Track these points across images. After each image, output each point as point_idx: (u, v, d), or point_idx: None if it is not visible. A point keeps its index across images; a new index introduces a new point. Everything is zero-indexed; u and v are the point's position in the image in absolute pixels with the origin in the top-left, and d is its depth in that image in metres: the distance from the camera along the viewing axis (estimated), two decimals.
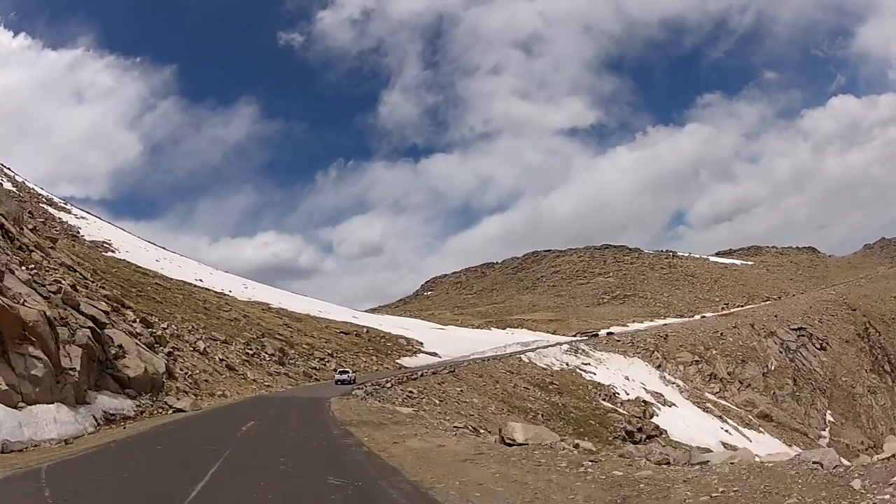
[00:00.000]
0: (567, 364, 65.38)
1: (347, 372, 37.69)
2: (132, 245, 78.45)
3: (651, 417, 51.09)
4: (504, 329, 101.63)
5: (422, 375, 40.56)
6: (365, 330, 72.20)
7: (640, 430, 43.15)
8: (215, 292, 64.34)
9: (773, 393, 63.70)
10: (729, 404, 62.20)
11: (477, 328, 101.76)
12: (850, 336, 79.95)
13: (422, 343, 75.95)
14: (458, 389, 39.04)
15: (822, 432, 60.50)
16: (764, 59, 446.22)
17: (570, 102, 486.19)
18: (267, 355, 43.25)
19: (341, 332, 66.21)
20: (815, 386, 68.24)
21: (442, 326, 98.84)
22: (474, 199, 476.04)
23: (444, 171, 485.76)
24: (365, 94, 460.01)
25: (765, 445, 53.89)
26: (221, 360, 34.40)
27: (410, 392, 32.97)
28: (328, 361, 49.82)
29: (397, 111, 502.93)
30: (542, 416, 38.48)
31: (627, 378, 62.16)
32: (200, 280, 71.00)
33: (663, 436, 45.03)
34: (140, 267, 58.78)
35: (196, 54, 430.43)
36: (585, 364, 66.30)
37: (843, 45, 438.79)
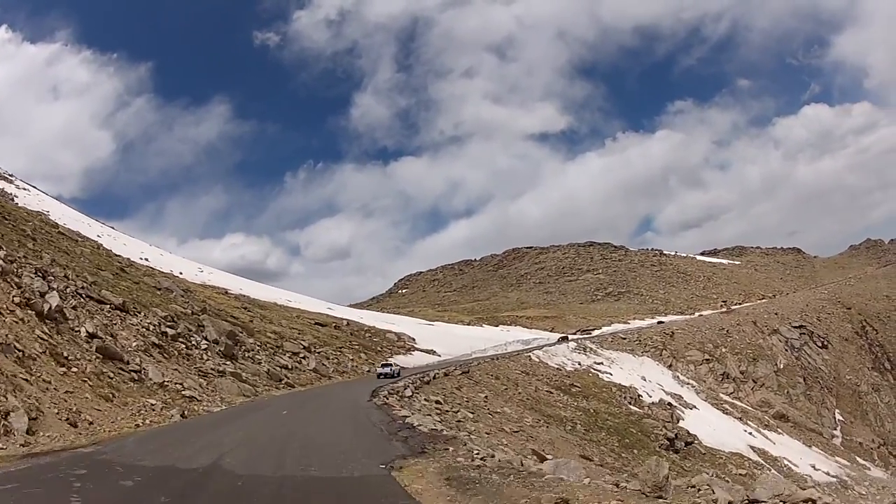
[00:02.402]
0: (580, 364, 66.23)
1: (390, 365, 40.09)
2: (74, 219, 72.37)
3: (678, 421, 52.31)
4: (497, 326, 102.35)
5: (434, 378, 37.98)
6: (345, 322, 69.83)
7: (677, 437, 44.23)
8: (160, 271, 58.40)
9: (787, 392, 66.79)
10: (745, 405, 64.84)
11: (468, 325, 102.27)
12: (849, 334, 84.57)
13: (414, 339, 75.19)
14: (482, 395, 37.58)
15: (835, 431, 63.80)
16: (737, 67, 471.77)
17: (542, 107, 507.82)
18: (204, 342, 30.82)
19: (317, 324, 62.29)
20: (822, 384, 71.90)
21: (430, 322, 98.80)
22: (443, 202, 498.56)
23: (413, 175, 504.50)
24: (337, 95, 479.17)
25: (787, 447, 56.27)
26: (91, 337, 20.36)
27: (438, 403, 28.12)
28: (304, 358, 42.71)
29: (369, 113, 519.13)
30: (581, 425, 38.39)
31: (644, 379, 63.52)
32: (146, 259, 65.20)
33: (695, 443, 46.30)
34: (67, 228, 53.68)
35: (172, 51, 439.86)
36: (598, 364, 67.35)
37: (818, 54, 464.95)
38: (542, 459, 14.58)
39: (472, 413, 30.23)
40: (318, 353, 48.01)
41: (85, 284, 26.05)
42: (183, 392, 21.95)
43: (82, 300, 23.27)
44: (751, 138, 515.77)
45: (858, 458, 57.42)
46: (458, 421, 24.17)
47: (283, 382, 34.77)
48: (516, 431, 27.76)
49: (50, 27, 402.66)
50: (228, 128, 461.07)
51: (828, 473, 50.59)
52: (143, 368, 21.49)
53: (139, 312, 27.82)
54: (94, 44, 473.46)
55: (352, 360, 52.73)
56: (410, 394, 27.07)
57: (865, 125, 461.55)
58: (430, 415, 23.24)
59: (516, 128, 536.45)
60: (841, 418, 67.22)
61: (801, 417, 62.86)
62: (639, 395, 55.90)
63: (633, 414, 48.44)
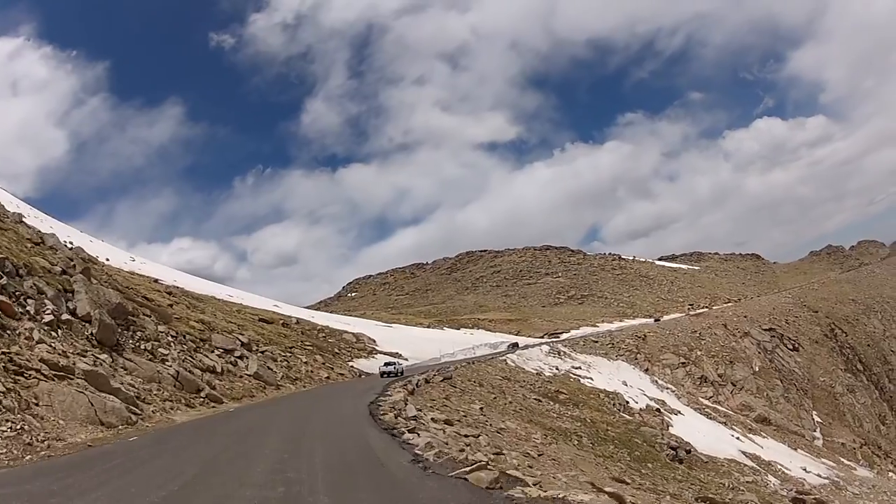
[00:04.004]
0: (557, 368, 64.59)
1: (394, 363, 39.31)
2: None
3: (668, 428, 51.49)
4: (458, 329, 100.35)
5: (417, 385, 35.66)
6: (295, 321, 64.87)
7: (679, 445, 42.93)
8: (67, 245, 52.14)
9: (766, 395, 67.48)
10: (726, 409, 64.92)
11: (428, 327, 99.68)
12: (819, 337, 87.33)
13: (374, 341, 71.67)
14: (476, 407, 34.95)
15: (815, 433, 64.82)
16: (690, 81, 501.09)
17: (492, 117, 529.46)
18: (51, 312, 19.50)
19: (262, 320, 56.98)
20: (798, 387, 73.47)
21: (388, 324, 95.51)
22: (390, 210, 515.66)
23: (361, 182, 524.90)
24: (289, 100, 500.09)
25: (775, 451, 56.29)
26: None
27: (448, 423, 23.74)
28: (242, 358, 35.06)
29: (319, 119, 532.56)
30: (587, 438, 36.38)
31: (626, 384, 62.59)
32: (71, 243, 59.08)
33: (692, 451, 45.33)
34: None
35: (129, 50, 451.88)
36: (577, 368, 65.93)
37: (773, 69, 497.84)
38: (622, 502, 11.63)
39: (477, 430, 27.46)
40: (263, 352, 40.54)
41: None
42: None
43: None
44: (701, 150, 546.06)
45: (843, 459, 58.31)
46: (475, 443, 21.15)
47: (202, 395, 24.67)
48: (540, 454, 24.63)
49: (14, 21, 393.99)
50: (180, 130, 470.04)
51: (819, 475, 50.80)
52: None
53: None
54: (56, 40, 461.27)
55: (306, 363, 46.26)
56: (413, 413, 21.95)
57: (819, 138, 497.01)
58: (452, 441, 19.21)
59: (465, 137, 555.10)
60: (819, 420, 68.57)
61: (783, 420, 63.48)
62: (626, 402, 54.65)
63: (629, 422, 46.94)
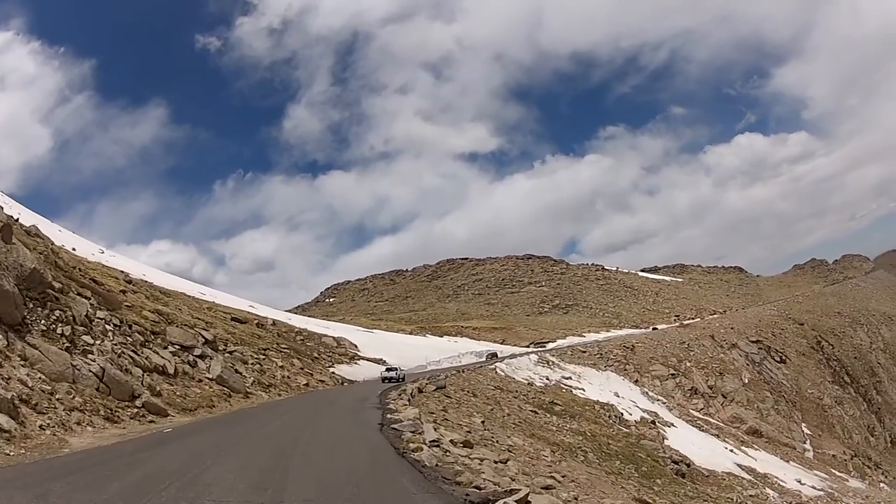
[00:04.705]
0: (548, 378, 64.22)
1: (395, 369, 39.19)
2: None
3: (663, 441, 51.41)
4: (442, 336, 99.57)
5: (412, 395, 34.58)
6: (271, 322, 63.03)
7: (682, 459, 42.64)
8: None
9: (757, 406, 67.94)
10: (717, 421, 65.10)
11: (410, 334, 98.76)
12: (805, 349, 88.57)
13: (356, 346, 70.35)
14: (478, 420, 34.42)
15: (805, 445, 65.45)
16: (673, 96, 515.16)
17: (474, 128, 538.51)
18: None
19: (234, 319, 54.49)
20: (786, 399, 74.25)
21: (369, 330, 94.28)
22: (368, 218, 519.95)
23: (340, 189, 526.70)
24: (272, 105, 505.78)
25: (768, 463, 56.49)
26: None
27: (467, 446, 21.69)
28: (203, 358, 30.00)
29: (301, 125, 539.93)
30: (592, 453, 35.90)
31: (618, 395, 62.49)
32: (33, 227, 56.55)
33: (692, 465, 45.18)
34: None
35: (115, 49, 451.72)
36: (567, 378, 65.59)
37: (757, 85, 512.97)
38: None
39: (499, 454, 26.34)
40: (231, 353, 35.86)
41: None
42: None
43: None
44: (681, 165, 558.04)
45: (834, 471, 58.84)
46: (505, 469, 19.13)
47: (138, 403, 19.48)
48: (563, 477, 23.28)
49: (5, 14, 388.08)
50: (163, 132, 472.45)
51: (813, 487, 51.14)
52: None
53: None
54: (45, 35, 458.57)
55: (282, 367, 42.36)
56: (434, 436, 20.00)
57: (801, 154, 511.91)
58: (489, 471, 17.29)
59: (446, 147, 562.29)
60: (808, 432, 69.23)
61: (774, 432, 63.86)
62: (620, 414, 54.46)
63: (628, 435, 46.61)
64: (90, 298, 24.96)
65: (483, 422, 32.76)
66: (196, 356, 29.21)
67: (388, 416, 18.47)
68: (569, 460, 31.75)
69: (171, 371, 25.40)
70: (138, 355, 23.73)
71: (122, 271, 48.04)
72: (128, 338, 24.76)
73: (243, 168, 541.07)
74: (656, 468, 35.73)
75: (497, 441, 27.51)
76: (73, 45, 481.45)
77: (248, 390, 31.07)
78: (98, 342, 21.46)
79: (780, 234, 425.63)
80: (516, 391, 51.86)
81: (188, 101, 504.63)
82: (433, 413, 29.50)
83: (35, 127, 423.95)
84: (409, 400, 29.58)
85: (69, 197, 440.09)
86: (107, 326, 23.70)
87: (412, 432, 15.02)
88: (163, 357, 25.97)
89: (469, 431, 27.73)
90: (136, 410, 19.19)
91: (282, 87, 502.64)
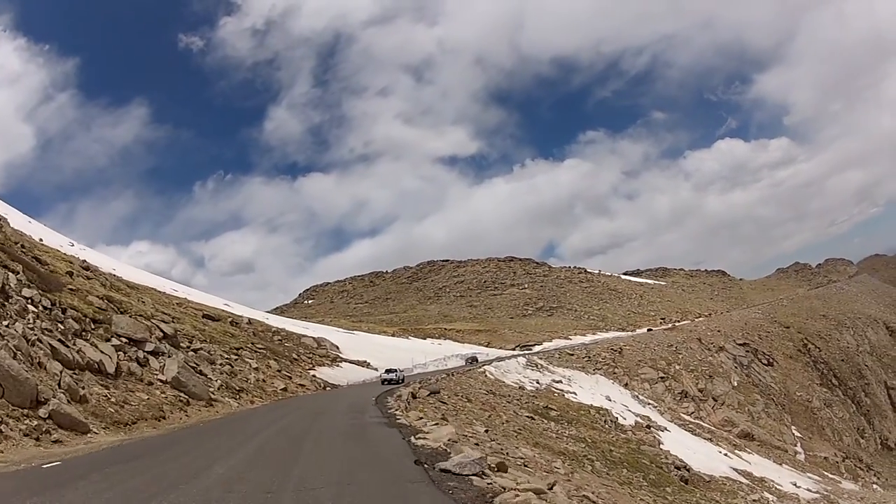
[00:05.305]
0: (538, 382, 63.47)
1: (395, 371, 38.79)
2: None
3: (660, 446, 50.92)
4: (425, 339, 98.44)
5: (408, 401, 32.76)
6: (247, 321, 60.94)
7: (684, 466, 42.04)
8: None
9: (748, 410, 67.96)
10: (709, 425, 64.91)
11: (393, 336, 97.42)
12: (792, 352, 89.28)
13: (338, 347, 68.70)
14: (481, 429, 32.82)
15: (796, 448, 65.73)
16: (653, 101, 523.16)
17: (454, 131, 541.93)
18: None
19: (206, 316, 52.19)
20: (776, 402, 74.60)
21: (350, 331, 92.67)
22: (348, 221, 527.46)
23: (320, 191, 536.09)
24: (253, 107, 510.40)
25: (763, 467, 56.38)
26: None
27: (503, 471, 19.94)
28: (159, 355, 25.50)
29: (282, 127, 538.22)
30: (598, 462, 34.99)
31: (610, 399, 62.04)
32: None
33: (691, 470, 44.70)
34: None
35: (99, 47, 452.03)
36: (557, 382, 64.87)
37: (738, 91, 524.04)
38: None
39: (545, 479, 24.92)
40: (195, 351, 31.88)
41: None
42: None
43: None
44: (661, 169, 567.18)
45: (827, 473, 59.02)
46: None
47: (41, 413, 14.78)
48: (595, 495, 21.43)
49: None
50: (144, 132, 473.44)
51: (809, 490, 51.15)
52: None
53: None
54: (31, 32, 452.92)
55: (256, 369, 38.08)
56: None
57: (782, 160, 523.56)
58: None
59: (426, 150, 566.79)
60: (799, 434, 69.49)
61: (766, 435, 63.84)
62: (615, 418, 53.87)
63: (628, 441, 45.93)
64: (18, 273, 21.33)
65: (486, 431, 31.50)
66: (148, 352, 24.68)
67: (414, 440, 12.72)
68: (580, 471, 30.77)
69: (111, 369, 20.64)
70: (67, 346, 19.39)
71: (84, 260, 44.65)
72: (58, 324, 20.69)
73: (223, 169, 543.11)
74: (662, 475, 34.95)
75: (505, 452, 26.30)
76: (58, 42, 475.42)
77: (213, 396, 26.21)
78: (6, 323, 17.23)
79: (760, 239, 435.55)
80: (509, 395, 50.89)
81: (170, 101, 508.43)
82: (430, 418, 28.13)
83: (18, 125, 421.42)
84: (407, 400, 28.22)
85: (51, 196, 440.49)
86: (30, 306, 19.83)
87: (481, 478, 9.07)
88: (102, 351, 21.24)
89: (477, 444, 26.43)
90: (36, 423, 14.16)
91: (263, 89, 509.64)
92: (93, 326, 23.18)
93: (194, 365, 28.74)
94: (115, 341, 23.22)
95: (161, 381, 23.44)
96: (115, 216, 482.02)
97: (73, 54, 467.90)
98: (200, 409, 23.71)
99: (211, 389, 27.08)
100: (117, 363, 21.64)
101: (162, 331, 28.84)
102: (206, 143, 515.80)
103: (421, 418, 18.84)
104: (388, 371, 43.14)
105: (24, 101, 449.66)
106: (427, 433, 14.07)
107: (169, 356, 25.97)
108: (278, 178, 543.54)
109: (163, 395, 22.40)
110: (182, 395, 23.67)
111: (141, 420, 18.93)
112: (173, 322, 35.09)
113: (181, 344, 31.04)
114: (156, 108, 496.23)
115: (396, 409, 21.47)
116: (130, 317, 27.26)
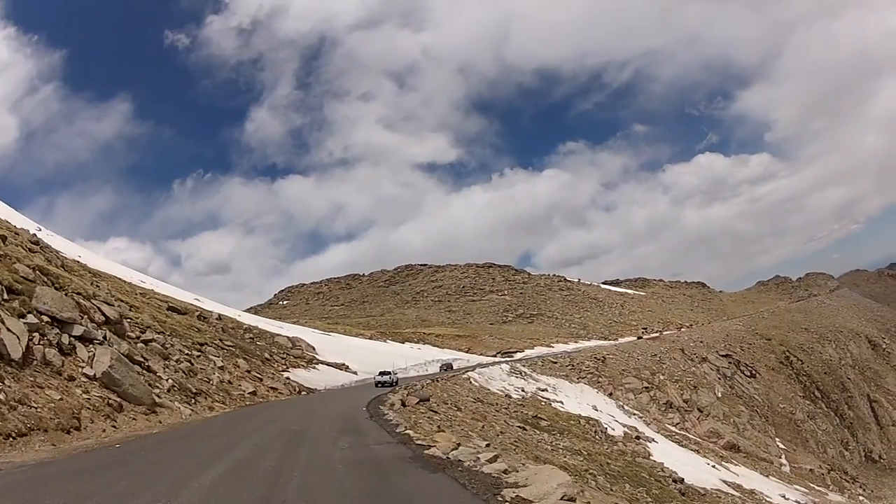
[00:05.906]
0: (524, 390, 62.33)
1: (389, 373, 39.16)
2: None
3: (650, 458, 50.10)
4: (403, 343, 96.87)
5: (397, 410, 29.93)
6: (216, 316, 57.83)
7: (683, 479, 41.26)
8: None
9: (733, 421, 67.76)
10: (694, 436, 64.46)
11: (370, 339, 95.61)
12: (774, 364, 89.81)
13: (314, 348, 66.60)
14: (482, 444, 31.67)
15: (781, 459, 65.69)
16: (635, 114, 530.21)
17: (434, 138, 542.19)
18: None
19: (171, 308, 48.89)
20: (759, 413, 74.69)
21: (326, 333, 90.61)
22: (324, 224, 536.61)
23: (298, 194, 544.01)
24: (235, 106, 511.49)
25: (751, 479, 56.19)
26: None
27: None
28: (89, 342, 19.61)
29: (263, 128, 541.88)
30: (601, 477, 34.02)
31: (596, 409, 61.28)
32: None
33: (684, 482, 43.93)
34: None
35: (86, 40, 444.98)
36: (543, 390, 63.96)
37: (720, 106, 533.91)
38: None
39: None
40: (146, 342, 27.29)
41: None
42: None
43: None
44: (640, 182, 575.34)
45: (813, 485, 58.97)
46: None
47: None
48: None
49: None
50: (126, 128, 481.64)
51: (798, 502, 50.98)
52: None
53: None
54: (21, 21, 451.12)
55: (221, 368, 33.79)
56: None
57: (762, 175, 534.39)
58: None
59: (405, 156, 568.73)
60: (783, 446, 69.51)
61: (752, 447, 63.60)
62: (605, 429, 52.98)
63: (623, 453, 44.90)
64: None
65: (488, 445, 29.78)
66: (75, 337, 19.12)
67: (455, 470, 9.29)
68: (586, 489, 29.31)
69: (17, 355, 15.44)
70: None
71: (35, 235, 39.56)
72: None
73: (203, 168, 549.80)
74: (664, 490, 33.91)
75: (518, 470, 24.73)
76: (47, 33, 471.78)
77: (158, 400, 20.66)
78: None
79: (738, 253, 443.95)
80: (497, 404, 49.50)
81: (153, 98, 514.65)
82: (425, 429, 25.96)
83: (3, 115, 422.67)
84: (399, 410, 26.45)
85: (31, 189, 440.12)
86: None
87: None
88: (8, 328, 15.96)
89: (490, 461, 24.81)
90: None
91: (246, 89, 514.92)
92: (6, 297, 17.97)
93: (140, 359, 23.18)
94: (31, 318, 17.66)
95: (87, 376, 17.85)
96: (94, 211, 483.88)
97: (61, 46, 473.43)
98: (136, 418, 18.12)
99: (156, 391, 21.54)
100: (27, 346, 16.18)
101: (103, 314, 23.20)
102: (187, 141, 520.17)
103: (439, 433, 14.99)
104: (381, 373, 42.68)
105: (11, 91, 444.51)
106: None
107: (101, 344, 20.23)
108: (257, 179, 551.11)
109: (84, 396, 16.71)
110: (113, 397, 17.88)
111: (37, 431, 12.97)
112: (127, 309, 30.48)
113: (128, 333, 25.36)
114: (139, 104, 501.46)
115: (408, 427, 16.35)
116: (62, 292, 21.66)
